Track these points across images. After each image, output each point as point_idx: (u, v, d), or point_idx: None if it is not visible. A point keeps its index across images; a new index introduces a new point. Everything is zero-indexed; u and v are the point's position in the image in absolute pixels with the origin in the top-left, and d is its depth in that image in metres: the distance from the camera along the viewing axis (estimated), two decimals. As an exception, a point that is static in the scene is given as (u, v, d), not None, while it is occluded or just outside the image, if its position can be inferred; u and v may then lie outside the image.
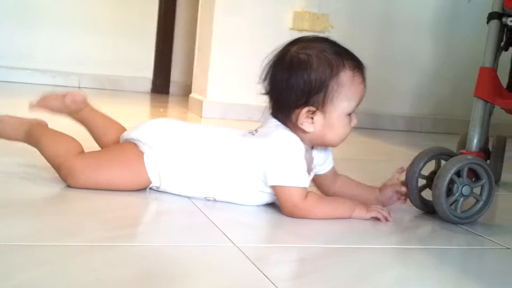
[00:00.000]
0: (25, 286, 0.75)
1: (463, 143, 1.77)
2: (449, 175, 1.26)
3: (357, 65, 1.25)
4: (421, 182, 1.36)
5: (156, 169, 1.26)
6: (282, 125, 1.25)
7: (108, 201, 1.19)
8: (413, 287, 0.90)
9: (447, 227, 1.27)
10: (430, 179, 1.34)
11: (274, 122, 1.26)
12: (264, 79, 1.27)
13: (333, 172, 1.36)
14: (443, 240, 1.20)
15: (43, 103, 1.43)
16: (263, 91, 1.28)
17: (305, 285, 0.86)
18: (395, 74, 3.22)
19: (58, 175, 1.27)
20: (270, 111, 1.28)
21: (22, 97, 1.43)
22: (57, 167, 1.27)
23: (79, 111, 1.43)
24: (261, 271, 0.88)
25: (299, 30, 2.99)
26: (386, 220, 1.25)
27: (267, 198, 1.26)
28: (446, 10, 3.27)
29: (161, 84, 4.16)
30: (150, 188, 1.29)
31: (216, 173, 1.25)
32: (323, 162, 1.32)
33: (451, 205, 1.27)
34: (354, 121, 1.26)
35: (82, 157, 1.27)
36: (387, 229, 1.22)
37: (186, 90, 3.80)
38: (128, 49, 4.10)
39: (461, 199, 1.28)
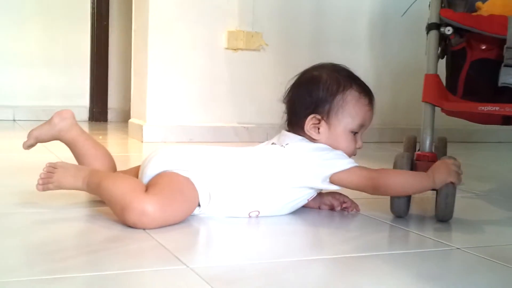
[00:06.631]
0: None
1: (408, 146, 1.85)
2: None
3: (365, 91, 1.36)
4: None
5: (206, 191, 1.26)
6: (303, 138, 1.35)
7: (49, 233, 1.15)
8: (370, 294, 0.90)
9: (395, 233, 1.28)
10: None
11: (295, 136, 1.36)
12: (284, 100, 1.40)
13: None
14: (395, 245, 1.22)
15: (34, 138, 1.46)
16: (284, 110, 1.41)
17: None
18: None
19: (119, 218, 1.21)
20: (286, 123, 1.40)
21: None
22: (122, 209, 1.18)
23: (68, 131, 1.47)
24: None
25: (234, 49, 2.99)
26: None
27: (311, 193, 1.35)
28: (378, 24, 3.32)
29: (98, 112, 4.09)
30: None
31: (264, 184, 1.29)
32: None
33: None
34: (359, 143, 1.37)
35: (151, 198, 1.18)
36: (334, 239, 1.22)
37: (125, 116, 3.74)
38: (62, 78, 4.01)
39: None
